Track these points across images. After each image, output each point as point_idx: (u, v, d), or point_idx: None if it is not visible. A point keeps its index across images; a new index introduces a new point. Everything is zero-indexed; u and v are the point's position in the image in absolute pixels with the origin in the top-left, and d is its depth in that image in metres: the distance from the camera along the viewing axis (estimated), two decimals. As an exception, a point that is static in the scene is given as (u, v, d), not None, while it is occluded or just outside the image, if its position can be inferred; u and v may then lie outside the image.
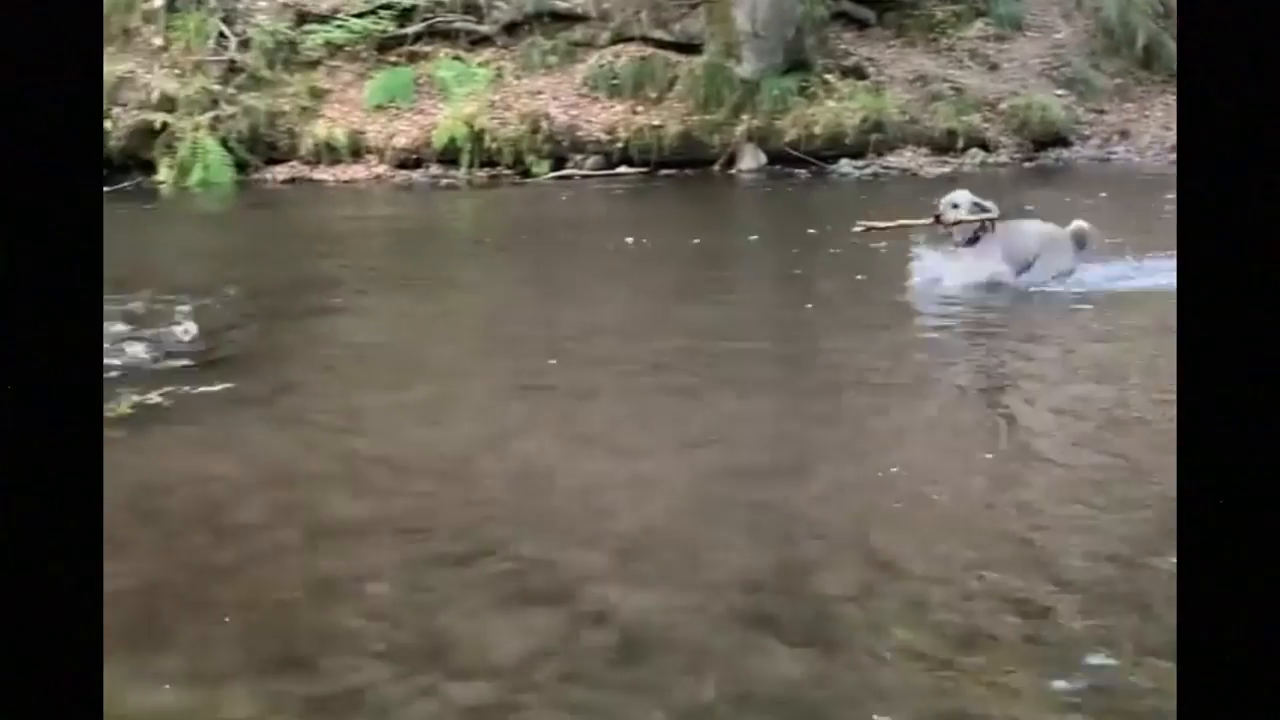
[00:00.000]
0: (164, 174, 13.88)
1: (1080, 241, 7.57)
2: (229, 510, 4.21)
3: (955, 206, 7.24)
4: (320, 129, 14.33)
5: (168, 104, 14.08)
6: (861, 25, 15.41)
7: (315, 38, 14.86)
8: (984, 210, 7.33)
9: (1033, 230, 7.63)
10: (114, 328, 6.44)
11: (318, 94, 14.60)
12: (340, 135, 14.31)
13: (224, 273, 8.76)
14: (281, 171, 14.26)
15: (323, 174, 14.22)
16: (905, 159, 13.94)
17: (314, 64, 14.87)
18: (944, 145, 14.13)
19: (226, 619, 3.32)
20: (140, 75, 14.37)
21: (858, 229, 7.62)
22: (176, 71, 14.44)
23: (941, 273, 7.28)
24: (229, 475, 4.53)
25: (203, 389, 5.53)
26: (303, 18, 15.07)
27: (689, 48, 14.72)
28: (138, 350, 6.24)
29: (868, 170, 13.84)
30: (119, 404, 5.18)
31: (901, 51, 15.24)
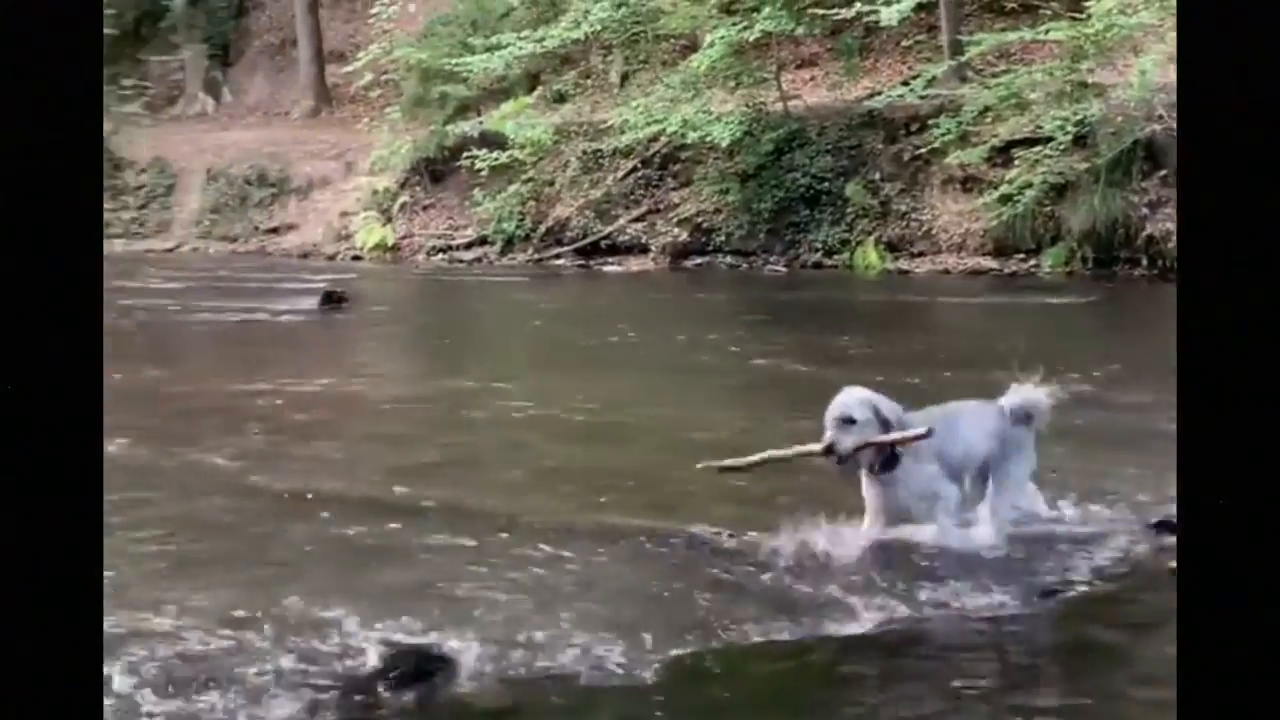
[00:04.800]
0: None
1: (1025, 416, 4.93)
2: None
3: (849, 423, 4.58)
4: None
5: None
6: None
7: None
8: (883, 421, 4.61)
9: (973, 418, 4.92)
10: None
11: None
12: None
13: None
14: None
15: None
16: None
17: None
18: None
19: None
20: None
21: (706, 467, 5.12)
22: None
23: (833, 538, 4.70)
24: None
25: None
26: None
27: None
28: None
29: None
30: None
31: None
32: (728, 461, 4.75)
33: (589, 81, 21.37)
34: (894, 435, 4.51)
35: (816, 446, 4.53)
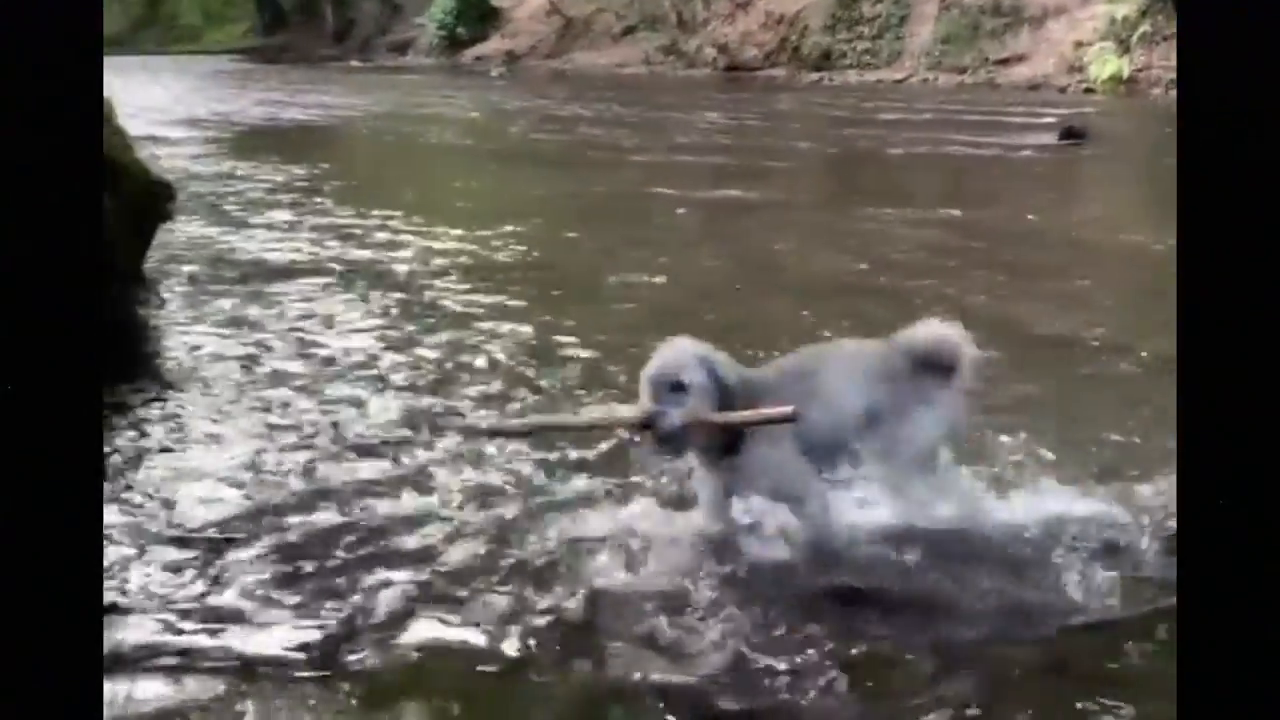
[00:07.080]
0: None
1: (940, 361, 3.39)
2: None
3: (679, 388, 3.12)
4: None
5: None
6: None
7: None
8: (722, 389, 3.18)
9: (842, 365, 3.40)
10: None
11: None
12: None
13: None
14: None
15: None
16: None
17: None
18: None
19: None
20: None
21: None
22: None
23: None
24: None
25: None
26: None
27: None
28: None
29: None
30: None
31: None
32: (488, 425, 3.51)
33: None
34: (747, 415, 3.17)
35: (629, 414, 3.25)
